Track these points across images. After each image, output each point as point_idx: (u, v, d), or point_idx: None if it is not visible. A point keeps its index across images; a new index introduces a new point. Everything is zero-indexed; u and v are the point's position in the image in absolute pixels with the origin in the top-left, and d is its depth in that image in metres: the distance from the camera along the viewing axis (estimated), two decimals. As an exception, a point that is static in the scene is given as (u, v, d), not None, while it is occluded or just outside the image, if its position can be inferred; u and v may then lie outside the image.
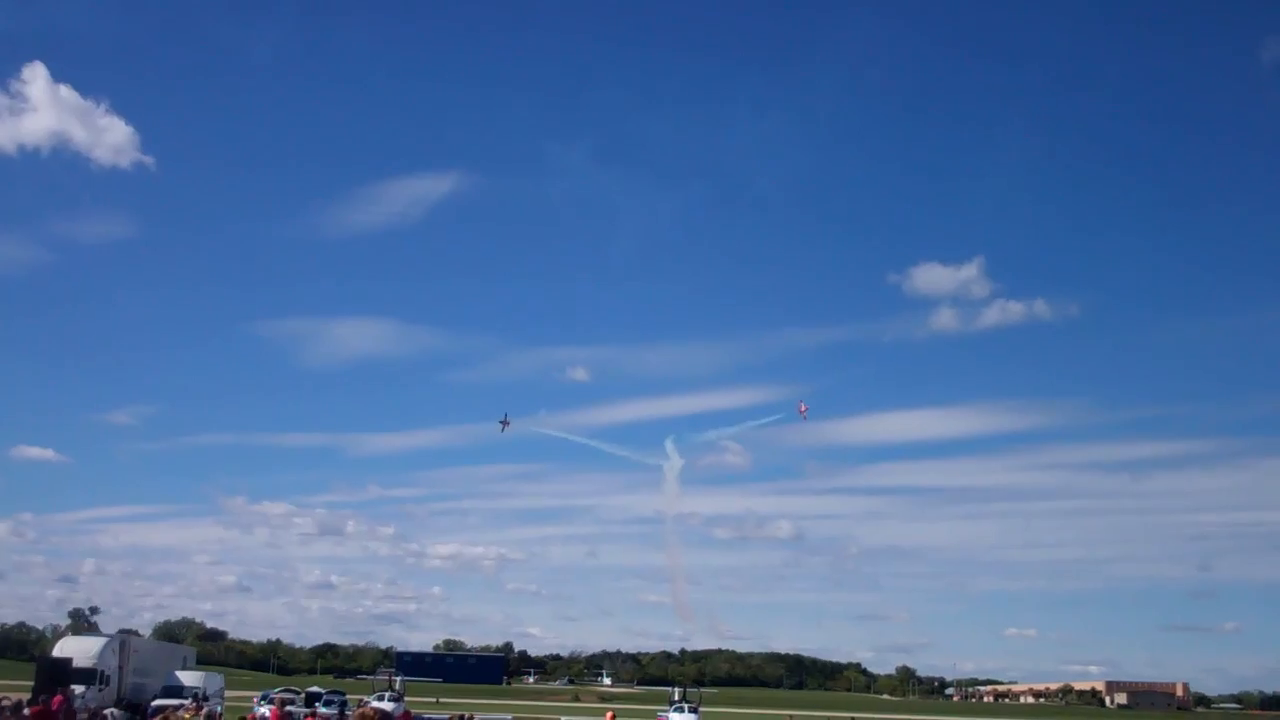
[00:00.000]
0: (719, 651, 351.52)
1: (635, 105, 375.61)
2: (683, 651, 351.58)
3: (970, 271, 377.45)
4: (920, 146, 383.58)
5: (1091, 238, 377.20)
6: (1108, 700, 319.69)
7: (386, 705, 73.82)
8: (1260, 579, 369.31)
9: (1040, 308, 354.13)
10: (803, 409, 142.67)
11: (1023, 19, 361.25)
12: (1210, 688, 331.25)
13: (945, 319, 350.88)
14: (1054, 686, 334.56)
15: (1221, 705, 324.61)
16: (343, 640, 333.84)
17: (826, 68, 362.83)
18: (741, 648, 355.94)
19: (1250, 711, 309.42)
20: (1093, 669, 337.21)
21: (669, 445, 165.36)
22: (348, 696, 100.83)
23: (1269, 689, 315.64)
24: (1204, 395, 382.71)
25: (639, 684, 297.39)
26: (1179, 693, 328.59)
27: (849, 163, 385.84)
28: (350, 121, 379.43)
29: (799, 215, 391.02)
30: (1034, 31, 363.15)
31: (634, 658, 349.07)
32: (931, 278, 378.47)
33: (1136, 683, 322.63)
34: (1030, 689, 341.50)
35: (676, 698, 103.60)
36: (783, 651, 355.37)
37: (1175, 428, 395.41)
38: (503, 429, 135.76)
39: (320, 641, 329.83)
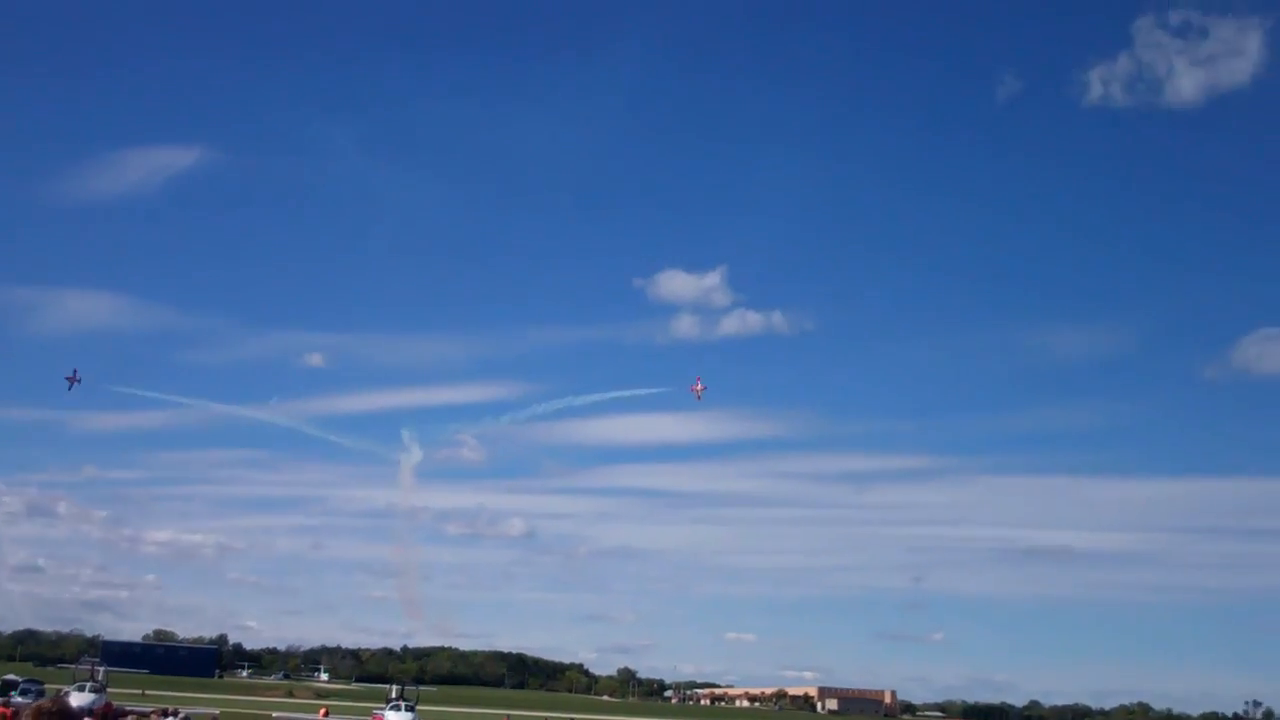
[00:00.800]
0: (442, 649, 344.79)
1: (409, 92, 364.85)
2: (405, 649, 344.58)
3: (713, 280, 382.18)
4: (678, 157, 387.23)
5: (830, 257, 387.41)
6: (819, 706, 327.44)
7: (86, 696, 68.30)
8: (967, 592, 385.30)
9: (778, 320, 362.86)
10: (698, 388, 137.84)
11: (787, 44, 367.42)
12: (917, 695, 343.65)
13: (686, 325, 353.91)
14: (769, 691, 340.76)
15: (926, 713, 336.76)
16: (46, 627, 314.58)
17: (604, 72, 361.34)
18: (466, 646, 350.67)
19: (952, 719, 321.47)
20: (807, 674, 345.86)
21: (406, 437, 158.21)
22: (46, 686, 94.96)
23: (970, 698, 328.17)
24: (925, 413, 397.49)
25: (358, 680, 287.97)
26: (887, 700, 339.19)
27: (611, 166, 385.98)
28: (88, 85, 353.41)
29: (558, 214, 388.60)
30: (795, 56, 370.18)
31: (354, 654, 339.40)
32: (675, 285, 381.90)
33: (848, 689, 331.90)
34: (746, 693, 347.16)
35: (394, 695, 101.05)
36: (506, 650, 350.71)
37: (897, 443, 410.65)
38: (70, 386, 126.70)
39: (22, 627, 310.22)
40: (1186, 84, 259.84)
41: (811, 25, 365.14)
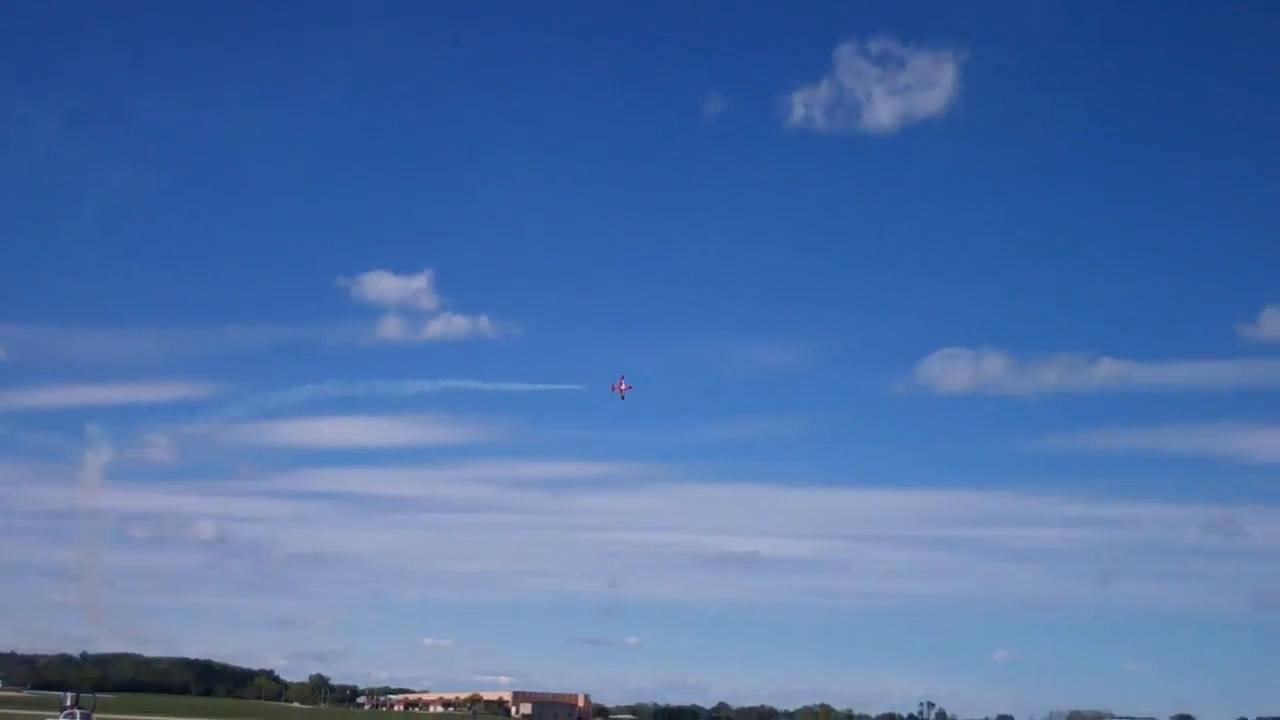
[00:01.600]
0: (124, 656, 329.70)
1: (121, 75, 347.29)
2: (85, 655, 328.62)
3: (420, 283, 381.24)
4: (393, 155, 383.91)
5: (537, 265, 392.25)
6: (513, 710, 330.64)
7: None
8: (661, 597, 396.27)
9: (484, 324, 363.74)
10: (621, 387, 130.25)
11: (506, 56, 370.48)
12: (610, 699, 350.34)
13: (392, 328, 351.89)
14: (463, 696, 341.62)
15: (618, 716, 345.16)
16: None
17: (320, 69, 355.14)
18: (150, 652, 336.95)
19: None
20: (503, 679, 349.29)
21: (92, 434, 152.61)
22: None
23: (662, 700, 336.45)
24: (624, 421, 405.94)
25: (33, 688, 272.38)
26: (580, 703, 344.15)
27: (322, 164, 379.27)
28: None
29: (262, 208, 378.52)
30: (514, 69, 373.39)
31: (30, 660, 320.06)
32: (382, 286, 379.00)
33: (542, 693, 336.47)
34: (441, 698, 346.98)
35: (68, 703, 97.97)
36: (193, 657, 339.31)
37: (595, 450, 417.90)
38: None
39: None
40: (884, 111, 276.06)
41: (535, 37, 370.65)
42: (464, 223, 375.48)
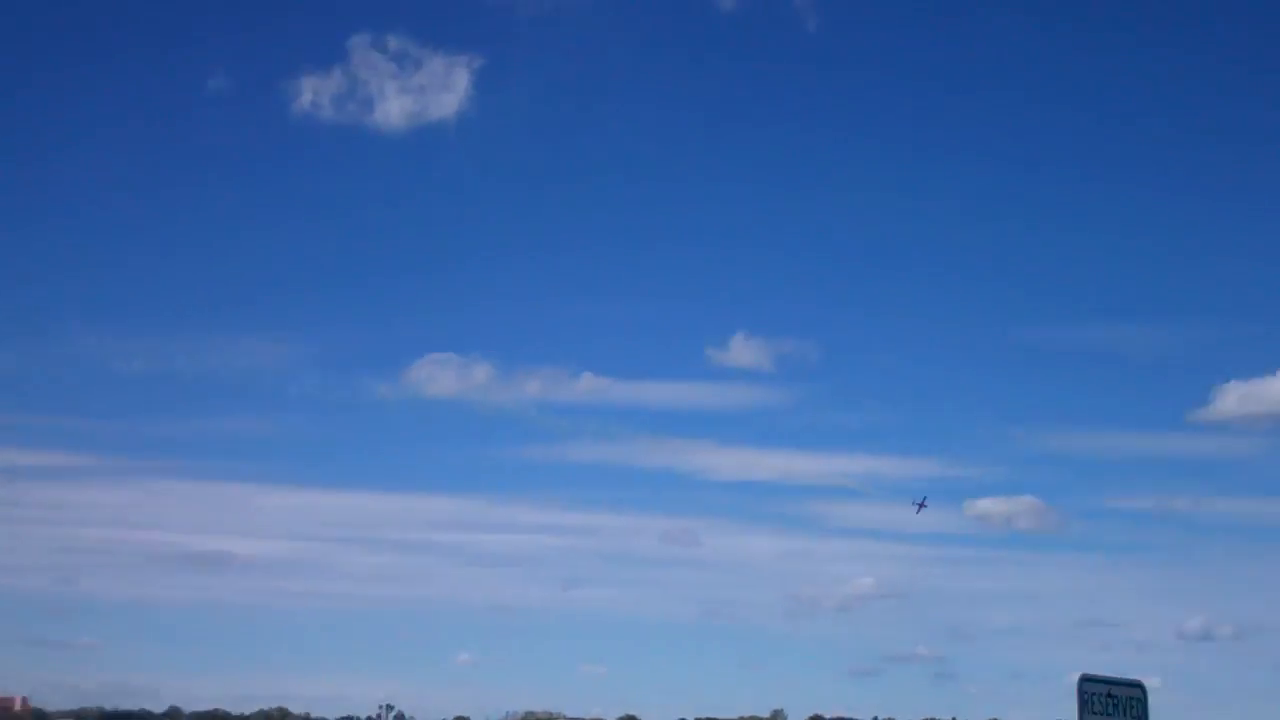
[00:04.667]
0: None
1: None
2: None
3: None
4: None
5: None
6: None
7: None
8: (120, 596, 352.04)
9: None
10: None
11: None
12: (53, 702, 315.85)
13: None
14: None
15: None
16: None
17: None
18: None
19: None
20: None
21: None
22: None
23: (110, 704, 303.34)
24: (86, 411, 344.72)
25: None
26: (18, 706, 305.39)
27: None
28: None
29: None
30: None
31: None
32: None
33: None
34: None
35: None
36: None
37: (46, 439, 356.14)
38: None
39: None
40: (395, 109, 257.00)
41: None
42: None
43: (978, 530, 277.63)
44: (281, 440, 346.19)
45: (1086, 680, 7.16)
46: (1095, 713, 7.22)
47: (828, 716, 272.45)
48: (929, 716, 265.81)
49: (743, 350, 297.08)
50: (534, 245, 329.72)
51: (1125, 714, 7.42)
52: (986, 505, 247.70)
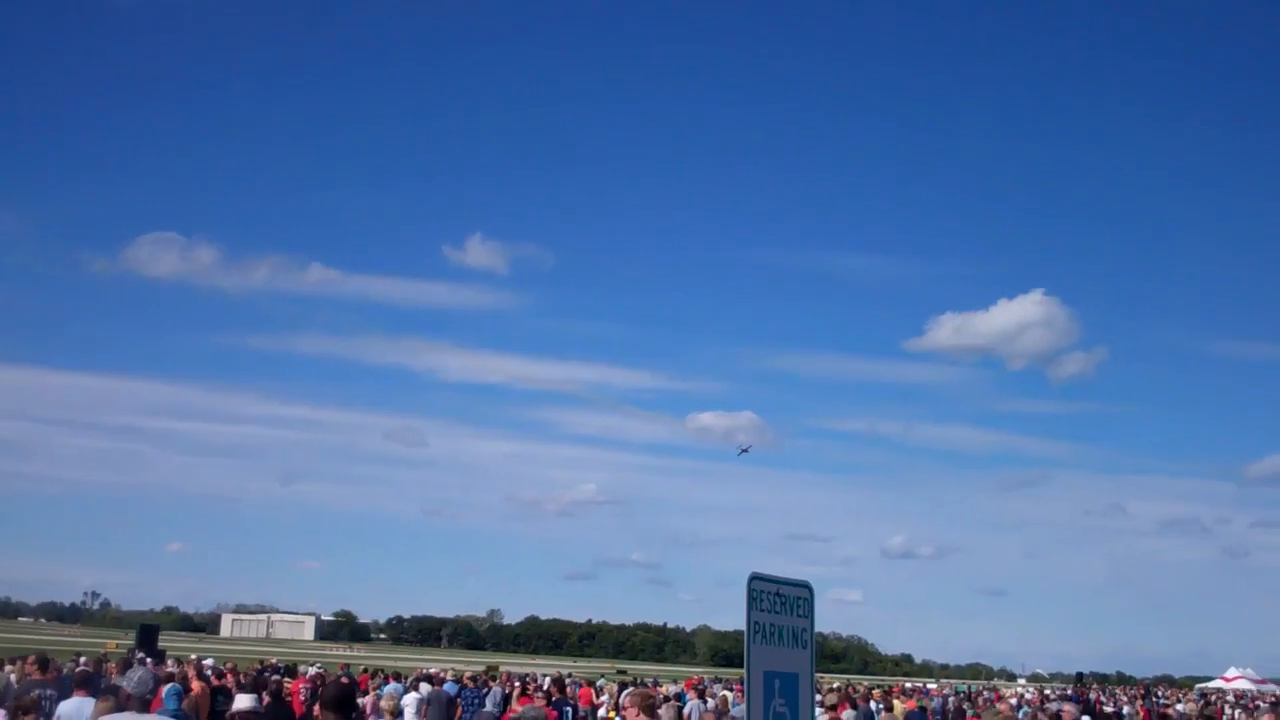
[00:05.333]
0: None
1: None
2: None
3: None
4: None
5: None
6: None
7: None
8: None
9: None
10: None
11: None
12: None
13: None
14: None
15: None
16: None
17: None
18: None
19: None
20: None
21: None
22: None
23: None
24: None
25: None
26: None
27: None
28: None
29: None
30: None
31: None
32: None
33: None
34: None
35: None
36: None
37: None
38: None
39: None
40: None
41: None
42: None
43: (698, 442, 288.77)
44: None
45: (756, 579, 7.12)
46: (763, 610, 7.24)
47: (543, 618, 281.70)
48: (642, 620, 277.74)
49: (479, 252, 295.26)
50: (269, 128, 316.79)
51: (792, 612, 7.45)
52: (708, 419, 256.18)
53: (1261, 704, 48.74)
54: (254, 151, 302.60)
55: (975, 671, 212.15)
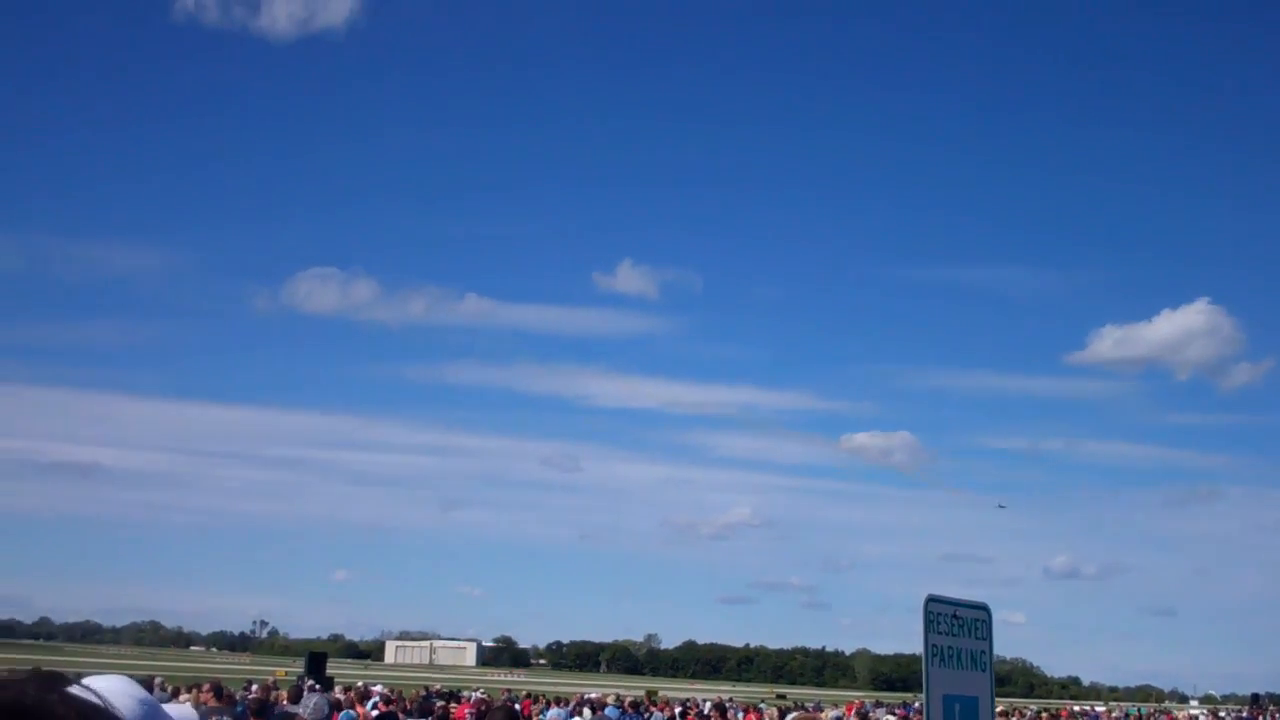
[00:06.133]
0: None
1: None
2: None
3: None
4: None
5: None
6: None
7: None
8: None
9: None
10: None
11: None
12: None
13: None
14: None
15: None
16: None
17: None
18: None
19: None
20: None
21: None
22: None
23: None
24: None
25: None
26: None
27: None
28: None
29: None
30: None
31: None
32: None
33: None
34: None
35: None
36: None
37: None
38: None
39: None
40: (282, 14, 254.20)
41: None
42: None
43: (853, 464, 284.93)
44: (156, 349, 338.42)
45: (932, 601, 6.90)
46: (940, 633, 7.01)
47: (700, 642, 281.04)
48: (799, 645, 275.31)
49: (629, 277, 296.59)
50: (422, 161, 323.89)
51: (970, 634, 7.19)
52: (862, 440, 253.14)
53: None
54: (407, 185, 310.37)
55: (1145, 694, 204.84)
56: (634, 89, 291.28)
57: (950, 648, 7.24)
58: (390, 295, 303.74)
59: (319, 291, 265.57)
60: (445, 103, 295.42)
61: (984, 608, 7.39)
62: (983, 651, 7.53)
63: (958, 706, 7.26)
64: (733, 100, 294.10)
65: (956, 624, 7.10)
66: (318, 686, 39.06)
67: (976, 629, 7.33)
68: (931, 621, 6.99)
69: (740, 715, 36.22)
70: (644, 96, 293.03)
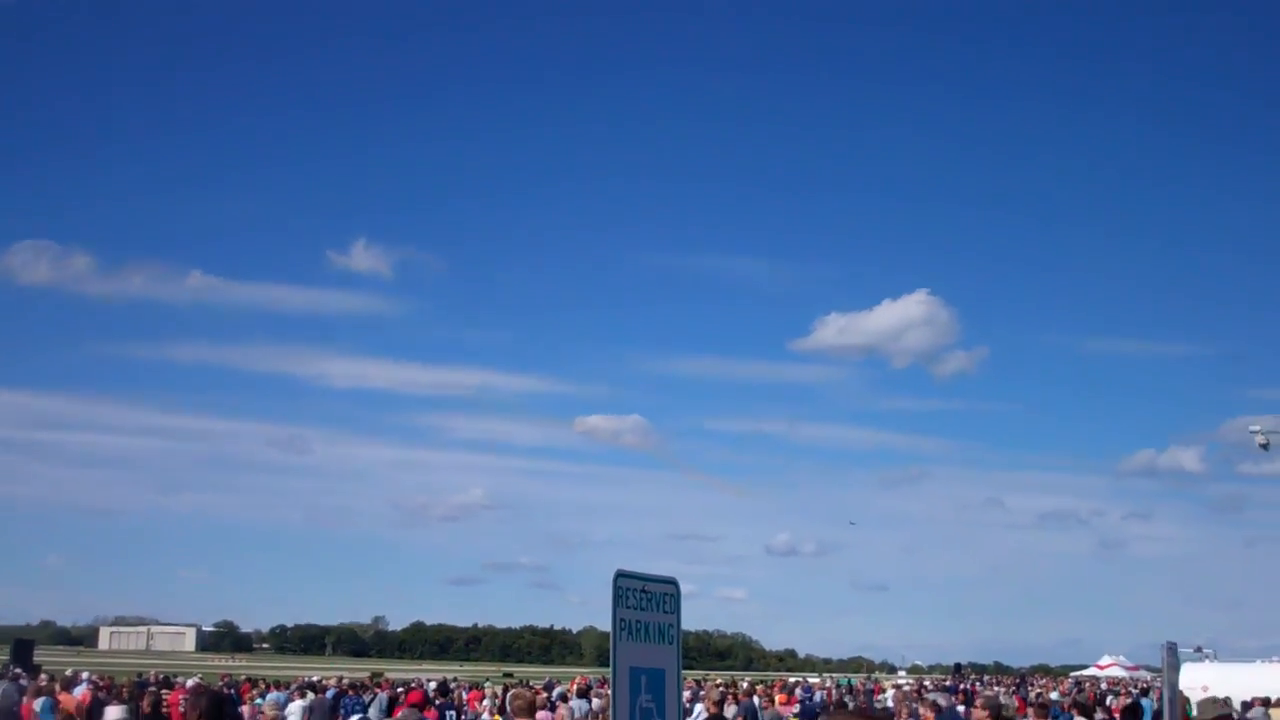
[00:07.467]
0: None
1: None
2: None
3: None
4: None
5: None
6: None
7: None
8: None
9: None
10: None
11: None
12: None
13: None
14: None
15: None
16: None
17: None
18: None
19: None
20: None
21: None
22: None
23: None
24: None
25: None
26: None
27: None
28: None
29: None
30: None
31: None
32: None
33: None
34: None
35: None
36: None
37: None
38: None
39: None
40: None
41: None
42: None
43: (585, 445, 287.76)
44: None
45: (621, 576, 7.23)
46: (629, 607, 7.36)
47: (429, 624, 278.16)
48: (529, 624, 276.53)
49: (363, 256, 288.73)
50: (145, 132, 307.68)
51: (659, 609, 7.58)
52: (594, 422, 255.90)
53: (1133, 690, 50.49)
54: (134, 157, 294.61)
55: (857, 665, 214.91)
56: (384, 64, 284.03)
57: (638, 621, 7.58)
58: (110, 270, 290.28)
59: (33, 265, 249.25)
60: (172, 69, 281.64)
61: (672, 582, 7.76)
62: (671, 625, 7.88)
63: (644, 678, 7.60)
64: (481, 83, 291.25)
65: (645, 598, 7.43)
66: (21, 674, 37.10)
67: (665, 603, 7.69)
68: (620, 596, 7.30)
69: (465, 694, 36.40)
70: (389, 72, 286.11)
